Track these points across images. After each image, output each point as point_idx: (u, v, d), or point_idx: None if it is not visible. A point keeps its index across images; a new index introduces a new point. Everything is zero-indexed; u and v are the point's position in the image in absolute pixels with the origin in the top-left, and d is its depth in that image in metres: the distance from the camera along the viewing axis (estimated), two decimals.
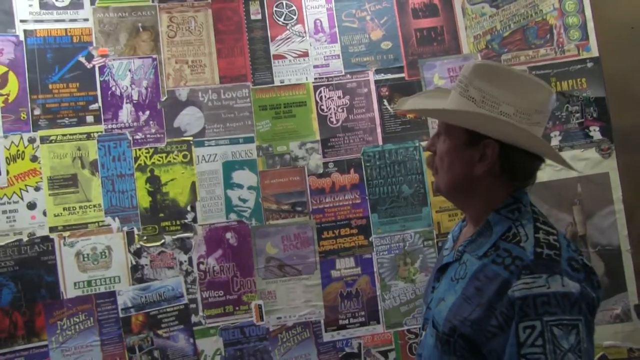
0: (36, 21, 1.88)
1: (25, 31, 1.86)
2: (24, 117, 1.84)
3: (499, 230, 0.91)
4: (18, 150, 1.83)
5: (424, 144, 1.96)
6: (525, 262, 0.83)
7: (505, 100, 0.90)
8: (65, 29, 1.90)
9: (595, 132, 1.99)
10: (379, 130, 2.00)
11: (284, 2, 2.03)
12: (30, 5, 1.88)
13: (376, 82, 2.01)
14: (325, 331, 1.90)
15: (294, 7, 2.03)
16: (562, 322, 0.77)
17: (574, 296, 0.79)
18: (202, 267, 1.88)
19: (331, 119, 1.99)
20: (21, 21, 1.86)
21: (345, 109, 2.00)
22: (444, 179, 0.98)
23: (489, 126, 0.90)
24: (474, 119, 0.91)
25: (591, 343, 0.81)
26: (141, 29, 1.95)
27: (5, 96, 1.83)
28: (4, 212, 1.79)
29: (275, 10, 2.02)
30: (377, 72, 2.02)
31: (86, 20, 1.92)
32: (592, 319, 0.82)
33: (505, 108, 0.90)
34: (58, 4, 1.90)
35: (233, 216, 1.91)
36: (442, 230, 1.97)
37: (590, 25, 2.00)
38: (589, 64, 2.00)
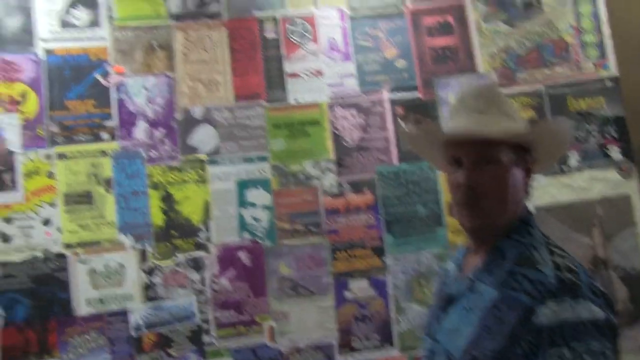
0: (56, 40, 1.91)
1: (45, 50, 1.89)
2: (41, 134, 1.86)
3: (511, 255, 0.88)
4: (35, 167, 1.84)
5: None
6: (548, 287, 0.80)
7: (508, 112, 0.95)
8: (83, 47, 1.92)
9: (614, 152, 1.95)
10: (393, 149, 1.98)
11: (298, 21, 2.04)
12: (51, 25, 1.91)
13: (391, 101, 2.00)
14: (339, 354, 1.87)
15: (308, 26, 2.03)
16: (590, 349, 0.75)
17: (600, 322, 0.78)
18: (214, 286, 1.86)
19: (345, 138, 1.98)
20: (41, 40, 1.90)
21: (359, 128, 1.99)
22: (501, 211, 0.90)
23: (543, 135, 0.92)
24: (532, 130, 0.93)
25: None
26: (157, 47, 1.97)
27: (25, 113, 1.86)
28: (20, 227, 1.80)
29: (289, 29, 2.03)
30: (392, 91, 2.01)
31: (103, 38, 1.94)
32: (616, 346, 0.81)
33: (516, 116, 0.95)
34: (78, 23, 1.93)
35: (246, 235, 1.90)
36: None
37: (609, 43, 1.98)
38: (608, 83, 1.97)
